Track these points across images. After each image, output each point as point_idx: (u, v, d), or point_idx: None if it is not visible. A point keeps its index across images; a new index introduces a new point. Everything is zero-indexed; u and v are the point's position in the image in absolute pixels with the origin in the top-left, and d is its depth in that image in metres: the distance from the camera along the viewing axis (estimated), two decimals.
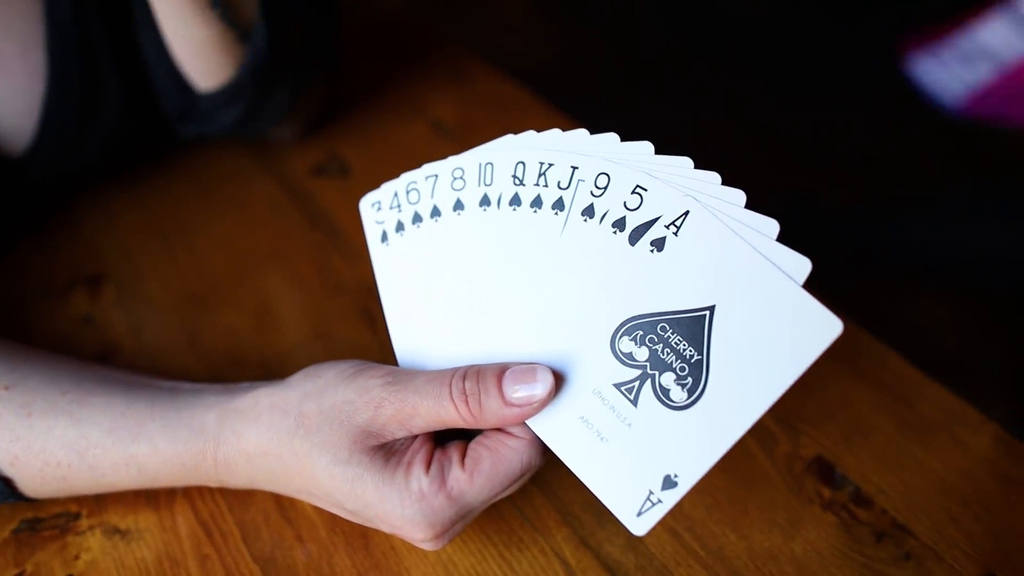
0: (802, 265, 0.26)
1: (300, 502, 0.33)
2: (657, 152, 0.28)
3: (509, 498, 0.33)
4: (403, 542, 0.32)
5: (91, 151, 0.47)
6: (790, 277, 0.26)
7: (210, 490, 0.34)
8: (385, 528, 0.29)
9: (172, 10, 0.40)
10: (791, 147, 1.53)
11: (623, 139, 0.29)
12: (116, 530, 0.33)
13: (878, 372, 0.39)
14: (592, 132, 0.29)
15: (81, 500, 0.34)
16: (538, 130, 0.30)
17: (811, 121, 1.57)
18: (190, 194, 0.49)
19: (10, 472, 0.31)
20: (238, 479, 0.31)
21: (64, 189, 0.49)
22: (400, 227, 0.32)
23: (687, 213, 0.27)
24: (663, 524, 0.32)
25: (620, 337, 0.27)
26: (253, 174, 0.50)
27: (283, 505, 0.33)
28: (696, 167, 0.28)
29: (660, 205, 0.27)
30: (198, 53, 0.43)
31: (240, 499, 0.34)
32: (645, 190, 0.28)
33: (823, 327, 0.25)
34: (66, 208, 0.48)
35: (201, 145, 0.52)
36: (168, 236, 0.47)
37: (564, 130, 0.30)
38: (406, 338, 0.31)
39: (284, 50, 0.44)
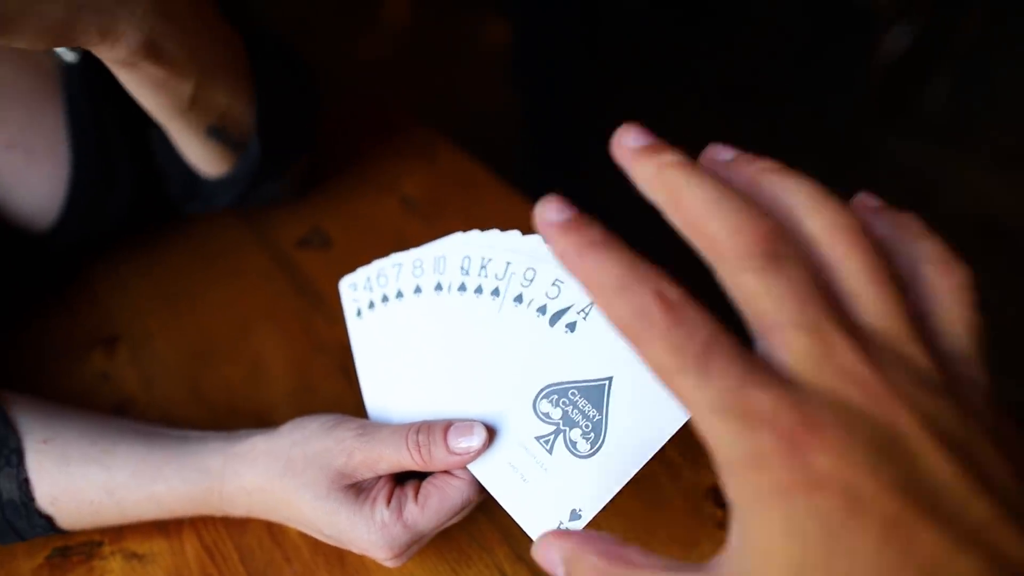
0: None
1: (288, 528, 0.40)
2: None
3: (460, 523, 0.40)
4: (372, 560, 0.39)
5: (106, 226, 0.54)
6: None
7: (212, 519, 0.41)
8: (356, 550, 0.36)
9: (176, 131, 0.48)
10: None
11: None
12: (134, 555, 0.40)
13: None
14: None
15: (103, 530, 0.41)
16: (493, 210, 0.38)
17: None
18: (192, 264, 0.56)
19: (51, 511, 0.38)
20: (238, 510, 0.38)
21: (83, 260, 0.56)
22: (371, 305, 0.40)
23: (593, 303, 0.35)
24: None
25: (540, 399, 0.35)
26: (247, 246, 0.58)
27: (274, 531, 0.41)
28: None
29: (573, 295, 0.35)
30: (199, 159, 0.51)
31: (238, 527, 0.41)
32: (563, 283, 0.35)
33: None
34: (84, 278, 0.56)
35: (202, 221, 0.59)
36: (173, 300, 0.54)
37: (511, 224, 0.37)
38: (376, 397, 0.39)
39: (273, 154, 0.52)
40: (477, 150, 0.68)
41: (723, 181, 0.20)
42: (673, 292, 0.19)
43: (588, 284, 0.20)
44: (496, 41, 2.15)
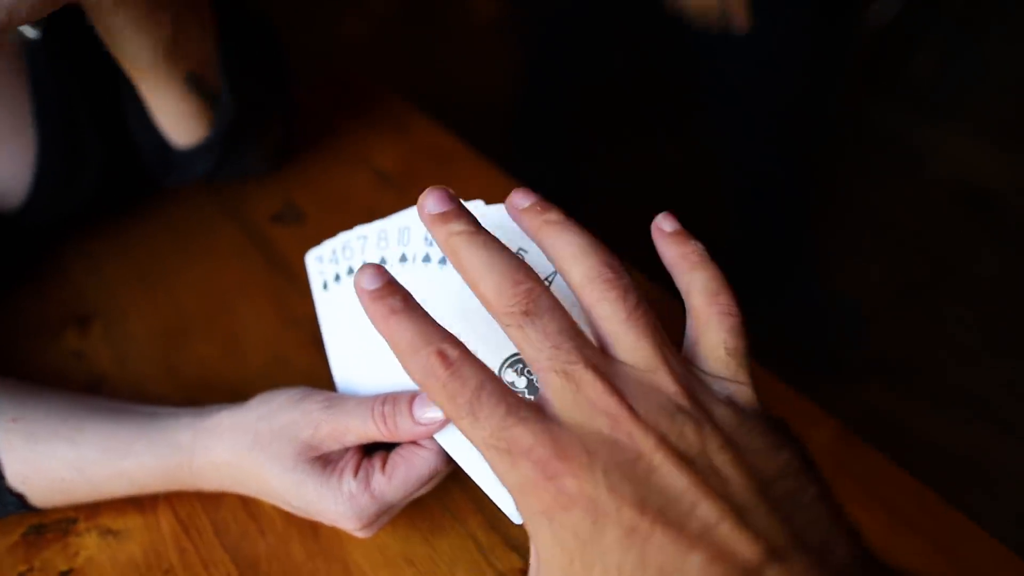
0: None
1: (262, 502, 0.41)
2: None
3: (432, 493, 0.40)
4: (345, 532, 0.39)
5: (77, 203, 0.54)
6: None
7: (187, 494, 0.41)
8: (325, 521, 0.36)
9: (153, 86, 0.48)
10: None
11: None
12: (109, 531, 0.40)
13: None
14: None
15: (78, 507, 0.41)
16: (467, 181, 0.38)
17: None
18: (166, 242, 0.56)
19: (22, 489, 0.38)
20: (209, 484, 0.38)
21: (54, 239, 0.56)
22: (337, 278, 0.40)
23: (556, 272, 0.35)
24: None
25: (505, 369, 0.35)
26: (221, 223, 0.57)
27: (248, 505, 0.41)
28: None
29: (537, 264, 0.35)
30: (176, 119, 0.50)
31: (212, 501, 0.41)
32: (526, 252, 0.35)
33: None
34: (57, 256, 0.55)
35: (176, 198, 0.59)
36: (147, 278, 0.54)
37: (483, 195, 0.37)
38: (343, 369, 0.39)
39: (247, 113, 0.51)
40: (466, 127, 0.67)
41: (496, 247, 0.25)
42: (452, 351, 0.23)
43: (392, 345, 0.25)
44: (487, 15, 2.13)
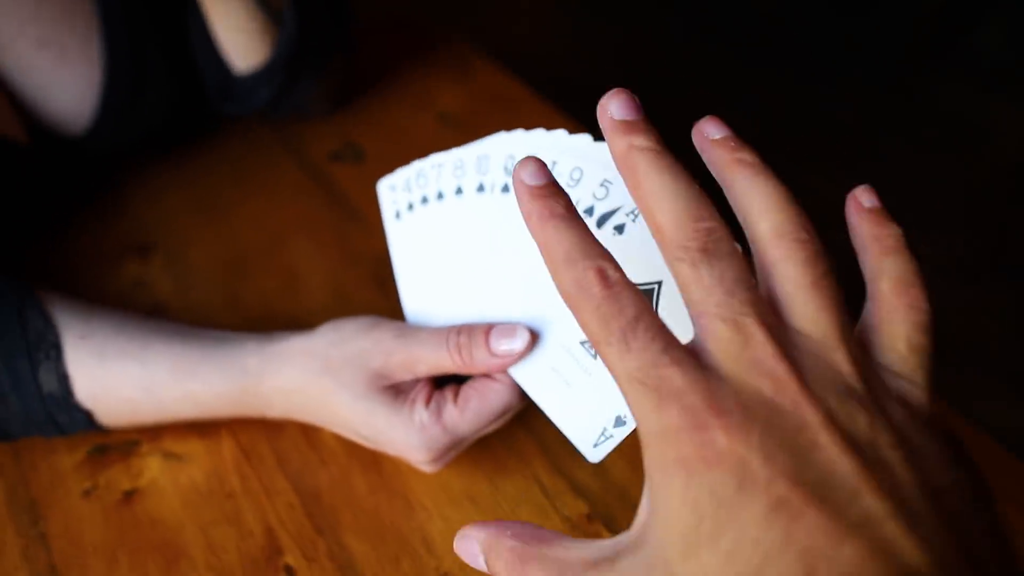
0: None
1: (324, 432, 0.40)
2: None
3: (496, 433, 0.39)
4: (408, 465, 0.39)
5: (141, 130, 0.53)
6: None
7: (249, 422, 0.41)
8: (392, 452, 0.35)
9: (220, 2, 0.47)
10: (803, 143, 1.57)
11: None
12: (171, 454, 0.40)
13: None
14: (585, 123, 0.35)
15: (141, 430, 0.41)
16: (530, 126, 0.36)
17: (824, 118, 1.60)
18: (227, 175, 0.55)
19: (90, 406, 0.38)
20: (275, 410, 0.38)
21: (117, 168, 0.56)
22: (410, 207, 0.38)
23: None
24: (622, 455, 0.39)
25: None
26: (280, 159, 0.56)
27: (310, 435, 0.40)
28: None
29: (622, 197, 0.34)
30: (238, 37, 0.49)
31: (274, 429, 0.41)
32: (611, 183, 0.34)
33: None
34: (119, 187, 0.55)
35: (236, 133, 0.58)
36: (208, 211, 0.53)
37: (550, 128, 0.36)
38: (414, 300, 0.38)
39: (309, 37, 0.50)
40: (520, 71, 0.65)
41: (682, 174, 0.22)
42: (613, 272, 0.21)
43: (543, 251, 0.22)
44: None
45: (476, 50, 0.64)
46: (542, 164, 0.23)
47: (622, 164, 0.23)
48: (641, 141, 0.23)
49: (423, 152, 0.54)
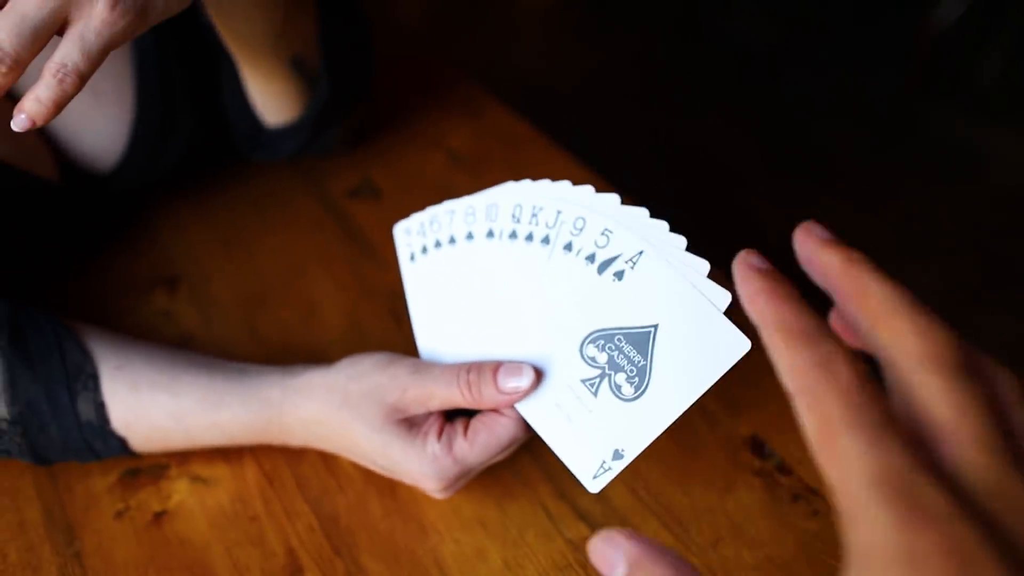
0: (724, 297, 0.35)
1: (342, 459, 0.43)
2: (625, 203, 0.37)
3: (504, 462, 0.42)
4: (422, 492, 0.41)
5: (166, 169, 0.57)
6: (714, 305, 0.35)
7: (271, 449, 0.43)
8: (407, 480, 0.38)
9: (257, 67, 0.50)
10: (802, 169, 1.60)
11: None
12: (198, 478, 0.43)
13: None
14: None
15: (170, 456, 0.44)
16: (534, 163, 0.39)
17: (825, 145, 1.63)
18: (249, 211, 0.59)
19: (125, 434, 0.41)
20: (296, 440, 0.41)
21: (144, 203, 0.59)
22: (424, 250, 0.41)
23: (641, 252, 0.36)
24: (623, 483, 0.42)
25: (587, 344, 0.36)
26: (300, 195, 0.59)
27: (328, 461, 0.43)
28: (651, 216, 0.37)
29: (622, 245, 0.36)
30: (273, 100, 0.53)
31: (295, 456, 0.43)
32: (611, 233, 0.37)
33: (736, 344, 0.34)
34: (147, 221, 0.58)
35: (259, 171, 0.61)
36: (231, 245, 0.56)
37: (553, 171, 0.39)
38: (427, 337, 0.41)
39: (338, 96, 0.53)
40: (522, 111, 0.68)
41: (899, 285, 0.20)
42: (858, 362, 0.19)
43: (772, 326, 0.20)
44: (538, 1, 2.13)
45: (484, 90, 0.68)
46: (766, 257, 0.22)
47: (839, 273, 0.21)
48: (856, 254, 0.21)
49: (435, 189, 0.58)
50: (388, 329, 0.50)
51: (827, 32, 1.96)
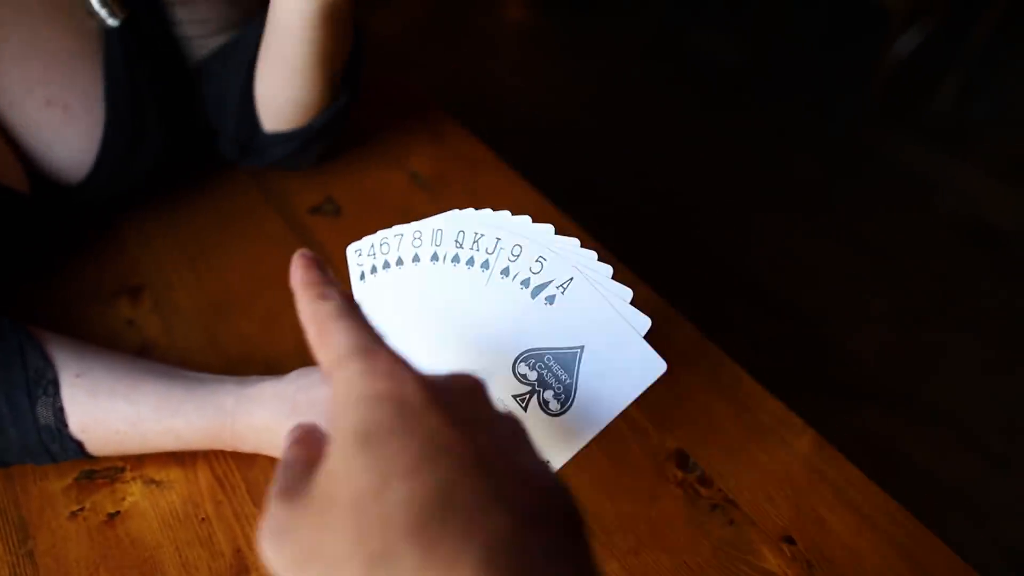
0: (644, 322, 0.38)
1: None
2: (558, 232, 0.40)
3: None
4: None
5: (134, 181, 0.59)
6: (635, 330, 0.38)
7: (224, 453, 0.46)
8: None
9: (305, 80, 0.53)
10: (766, 192, 1.65)
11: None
12: (152, 480, 0.45)
13: (733, 389, 0.51)
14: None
15: (125, 459, 0.45)
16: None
17: (786, 168, 1.68)
18: (213, 224, 0.61)
19: (82, 438, 0.43)
20: (248, 446, 0.43)
21: (112, 213, 0.60)
22: (374, 270, 0.44)
23: (571, 279, 0.39)
24: (580, 468, 0.44)
25: (519, 363, 0.39)
26: (263, 211, 0.62)
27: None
28: (582, 246, 0.40)
29: (554, 271, 0.39)
30: (296, 108, 0.56)
31: (246, 461, 0.45)
32: (545, 260, 0.40)
33: (654, 366, 0.37)
34: (114, 232, 0.60)
35: (224, 185, 0.63)
36: (195, 257, 0.58)
37: (501, 209, 0.41)
38: None
39: (343, 111, 0.57)
40: (486, 129, 0.71)
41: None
42: (344, 297, 0.27)
43: (296, 283, 0.28)
44: (514, 19, 2.17)
45: (447, 114, 0.71)
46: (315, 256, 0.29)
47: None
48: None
49: (395, 209, 0.60)
50: None
51: (793, 57, 2.03)
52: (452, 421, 0.22)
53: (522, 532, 0.20)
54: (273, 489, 0.24)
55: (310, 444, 0.27)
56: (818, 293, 1.40)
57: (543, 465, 0.24)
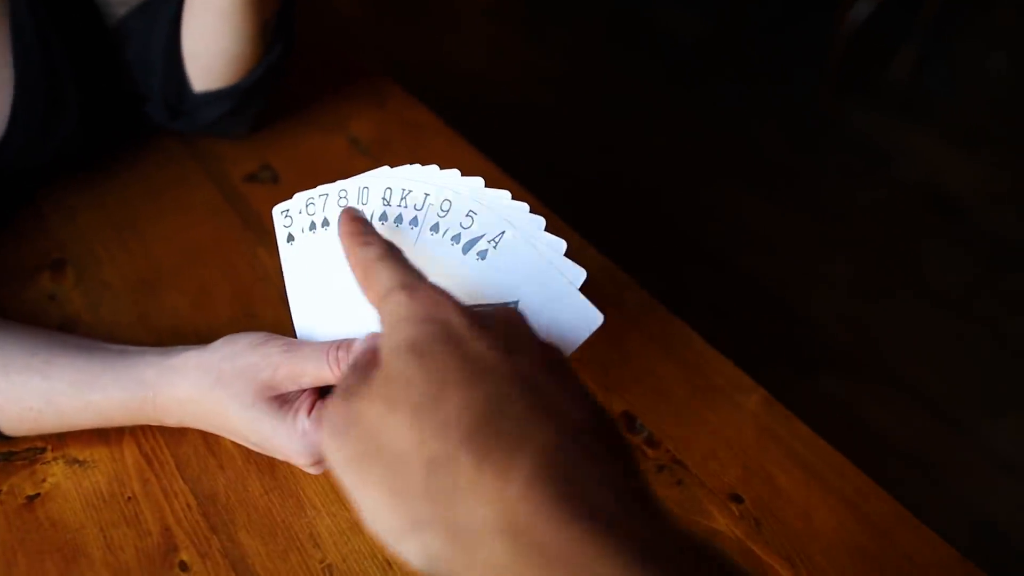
0: (580, 274, 0.37)
1: (223, 439, 0.43)
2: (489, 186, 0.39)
3: None
4: (300, 469, 0.42)
5: (53, 148, 0.55)
6: (571, 282, 0.37)
7: (151, 429, 0.44)
8: (280, 456, 0.39)
9: (232, 27, 0.51)
10: (728, 164, 1.65)
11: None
12: (75, 460, 0.43)
13: (683, 350, 0.50)
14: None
15: (46, 438, 0.43)
16: (436, 151, 0.40)
17: (750, 140, 1.69)
18: (142, 194, 0.58)
19: None
20: (172, 419, 0.41)
21: (34, 186, 0.57)
22: (302, 230, 0.42)
23: (503, 233, 0.38)
24: None
25: None
26: (196, 179, 0.59)
27: (209, 441, 0.43)
28: (513, 198, 0.38)
29: (485, 226, 0.38)
30: (225, 61, 0.54)
31: (175, 436, 0.43)
32: (476, 214, 0.38)
33: (590, 318, 0.36)
34: (34, 203, 0.57)
35: (153, 153, 0.61)
36: (122, 229, 0.56)
37: (454, 166, 0.40)
38: (303, 317, 0.41)
39: (276, 66, 0.54)
40: (448, 106, 0.69)
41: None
42: (389, 244, 0.31)
43: (343, 233, 0.32)
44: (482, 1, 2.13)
45: (390, 80, 0.68)
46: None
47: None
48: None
49: (334, 175, 0.58)
50: (278, 314, 0.50)
51: (753, 30, 2.03)
52: (495, 345, 0.24)
53: (571, 443, 0.21)
54: (336, 389, 0.27)
55: (369, 353, 0.28)
56: (778, 261, 1.41)
57: (585, 388, 0.25)
